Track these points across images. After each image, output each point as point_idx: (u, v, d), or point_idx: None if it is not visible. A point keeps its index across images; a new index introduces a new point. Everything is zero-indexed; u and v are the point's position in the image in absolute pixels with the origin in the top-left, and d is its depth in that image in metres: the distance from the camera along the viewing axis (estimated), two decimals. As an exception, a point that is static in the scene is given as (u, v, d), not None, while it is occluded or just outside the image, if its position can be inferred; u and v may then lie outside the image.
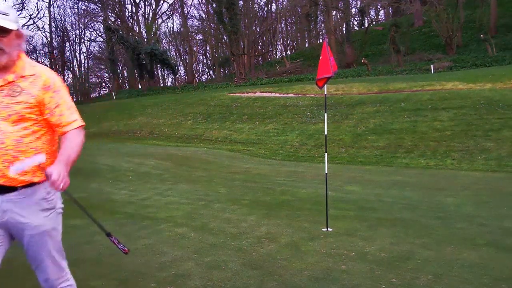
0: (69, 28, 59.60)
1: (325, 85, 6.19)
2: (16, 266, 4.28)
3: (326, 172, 6.50)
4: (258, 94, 29.99)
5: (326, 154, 6.43)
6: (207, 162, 14.44)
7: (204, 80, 63.10)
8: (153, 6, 56.92)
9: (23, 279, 4.29)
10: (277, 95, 28.70)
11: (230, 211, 7.42)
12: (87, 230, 6.20)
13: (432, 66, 33.93)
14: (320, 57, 5.94)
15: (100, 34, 58.11)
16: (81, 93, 60.73)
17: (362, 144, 16.03)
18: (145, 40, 51.41)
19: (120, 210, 7.62)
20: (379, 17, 66.84)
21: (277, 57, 62.79)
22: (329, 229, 6.08)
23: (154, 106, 31.20)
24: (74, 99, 60.33)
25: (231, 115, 24.70)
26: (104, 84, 67.54)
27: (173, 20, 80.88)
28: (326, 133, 6.43)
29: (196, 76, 65.24)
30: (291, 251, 5.19)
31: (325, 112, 6.38)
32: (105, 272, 4.52)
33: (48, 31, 59.43)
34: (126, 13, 58.30)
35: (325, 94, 6.31)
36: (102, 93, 61.67)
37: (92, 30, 64.76)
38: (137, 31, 55.06)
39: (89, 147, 19.64)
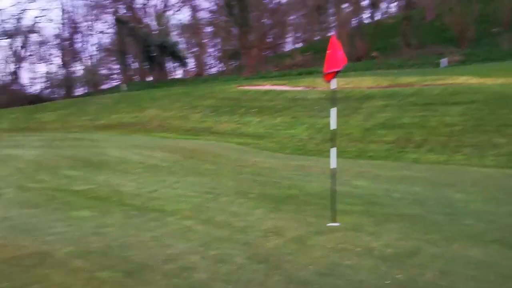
0: (79, 20, 59.87)
1: (335, 79, 6.13)
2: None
3: (332, 167, 6.46)
4: (267, 87, 29.94)
5: (333, 148, 6.38)
6: (216, 155, 14.46)
7: (215, 71, 63.13)
8: (164, -2, 56.86)
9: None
10: (287, 88, 28.63)
11: (237, 204, 7.44)
12: (95, 222, 6.27)
13: (442, 60, 33.60)
14: (328, 51, 5.90)
15: (110, 26, 58.17)
16: (91, 85, 61.03)
17: (371, 138, 15.95)
18: (155, 32, 51.45)
19: (128, 202, 7.67)
20: (391, 10, 66.07)
21: (286, 50, 62.49)
22: (335, 224, 6.07)
23: (163, 98, 31.28)
24: (85, 91, 60.78)
25: (239, 108, 24.70)
26: (115, 75, 67.78)
27: (183, 12, 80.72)
28: (334, 127, 6.38)
29: (206, 68, 65.30)
30: (297, 245, 5.20)
31: (335, 107, 6.31)
32: (112, 264, 4.55)
33: (59, 23, 59.74)
34: (137, 5, 58.34)
35: (335, 88, 6.24)
36: (113, 85, 61.89)
37: (102, 22, 64.96)
38: (148, 23, 55.12)
39: (99, 139, 19.83)
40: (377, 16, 56.50)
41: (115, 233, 5.71)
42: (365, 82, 26.20)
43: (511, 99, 15.89)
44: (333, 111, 6.30)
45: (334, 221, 6.11)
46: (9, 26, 53.46)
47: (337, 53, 5.74)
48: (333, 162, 6.36)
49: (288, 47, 67.03)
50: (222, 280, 4.14)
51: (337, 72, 5.90)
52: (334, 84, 6.18)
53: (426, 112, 16.83)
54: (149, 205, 7.44)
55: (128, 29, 43.30)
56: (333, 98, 6.38)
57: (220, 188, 9.00)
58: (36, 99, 49.65)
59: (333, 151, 6.35)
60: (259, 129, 20.52)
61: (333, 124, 6.35)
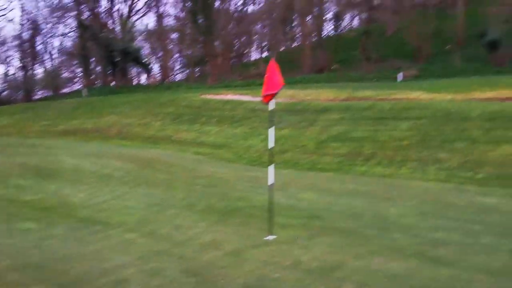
0: (41, 21, 58.52)
1: (273, 100, 6.47)
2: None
3: (270, 183, 6.77)
4: (229, 96, 30.26)
5: (271, 165, 6.70)
6: (171, 165, 14.61)
7: (180, 79, 62.92)
8: (129, 3, 56.49)
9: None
10: (249, 98, 29.01)
11: (182, 217, 7.67)
12: (38, 234, 6.35)
13: (398, 75, 34.87)
14: (266, 74, 6.25)
15: (73, 29, 57.20)
16: (52, 88, 59.64)
17: (324, 151, 16.50)
18: (120, 37, 50.99)
19: (74, 214, 7.77)
20: (355, 23, 67.87)
21: (252, 59, 63.10)
22: (272, 237, 6.39)
23: (124, 104, 31.09)
24: (45, 94, 59.35)
25: (201, 117, 24.90)
26: (76, 79, 66.50)
27: (148, 17, 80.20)
28: (272, 145, 6.70)
29: (172, 74, 65.05)
30: (232, 258, 5.47)
31: (273, 126, 6.63)
32: (48, 277, 4.70)
33: (19, 23, 58.25)
34: (101, 9, 57.62)
35: (273, 109, 6.58)
36: (74, 89, 60.69)
37: (65, 24, 63.81)
38: (112, 27, 54.53)
39: (55, 146, 19.56)
40: (340, 29, 57.96)
41: (56, 246, 5.84)
42: (324, 94, 26.91)
43: (455, 116, 16.79)
44: (271, 131, 6.61)
45: (271, 234, 6.43)
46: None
47: (274, 77, 6.09)
48: (270, 179, 6.68)
49: (254, 56, 67.73)
50: (152, 292, 4.37)
51: (274, 94, 6.23)
52: (272, 105, 6.52)
53: (378, 126, 17.56)
54: (95, 216, 7.56)
55: (91, 33, 42.74)
56: (270, 119, 6.68)
57: (169, 200, 9.20)
58: (-8, 102, 48.19)
59: (271, 168, 6.66)
60: (218, 139, 20.78)
61: (271, 143, 6.66)
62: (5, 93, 58.24)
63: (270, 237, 6.38)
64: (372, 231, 6.93)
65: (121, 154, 16.52)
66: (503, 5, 37.78)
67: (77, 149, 17.98)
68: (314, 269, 5.12)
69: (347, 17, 61.93)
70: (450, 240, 6.51)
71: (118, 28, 54.61)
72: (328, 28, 62.73)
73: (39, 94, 59.52)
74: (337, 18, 57.50)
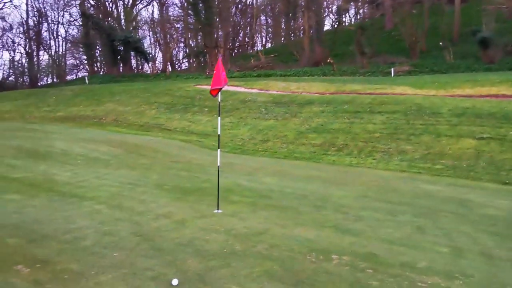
0: (46, 8, 59.60)
1: (219, 94, 7.54)
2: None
3: (218, 164, 7.87)
4: (223, 87, 31.21)
5: (219, 150, 7.80)
6: (156, 151, 15.74)
7: (183, 68, 63.90)
8: (133, -8, 57.32)
9: None
10: (242, 89, 29.99)
11: (149, 194, 8.80)
12: (20, 203, 7.49)
13: (392, 69, 35.68)
14: (214, 72, 7.32)
15: (76, 18, 58.25)
16: (56, 75, 60.87)
17: (302, 141, 17.55)
18: (123, 26, 52.00)
19: (56, 189, 8.91)
20: (356, 17, 68.40)
21: (251, 51, 63.87)
22: (219, 211, 7.50)
23: (123, 93, 32.15)
24: (49, 81, 60.62)
25: (193, 107, 25.97)
26: (80, 67, 67.66)
27: (153, 6, 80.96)
28: (219, 133, 7.79)
29: (176, 64, 66.05)
30: (176, 225, 6.60)
31: (219, 116, 7.72)
32: (21, 234, 5.84)
33: (25, 10, 59.39)
34: (105, -2, 58.56)
35: (219, 102, 7.66)
36: (79, 76, 61.86)
37: (70, 13, 64.94)
38: (115, 16, 55.52)
39: (53, 131, 20.77)
40: (338, 24, 58.56)
41: (33, 213, 6.99)
42: (315, 88, 27.81)
43: (426, 111, 17.77)
44: (219, 119, 7.70)
45: (218, 209, 7.56)
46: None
47: (220, 74, 7.16)
48: (218, 161, 7.77)
49: (256, 48, 68.50)
50: (101, 246, 5.51)
51: (220, 88, 7.30)
52: (219, 97, 7.59)
53: (354, 119, 18.56)
54: (74, 192, 8.70)
55: (94, 22, 43.79)
56: (219, 109, 7.76)
57: (142, 180, 10.32)
58: (-2, 87, 49.46)
59: (219, 152, 7.76)
60: (207, 128, 21.86)
61: (219, 130, 7.75)
62: (10, 79, 59.60)
63: (216, 211, 7.50)
64: (308, 209, 8.04)
65: (112, 140, 17.67)
66: (498, 4, 38.42)
67: (71, 135, 19.16)
68: (241, 234, 6.25)
69: (346, 12, 62.51)
70: (370, 217, 7.61)
71: (121, 17, 55.70)
72: (327, 23, 63.59)
73: (43, 81, 60.89)
74: (337, 12, 58.14)
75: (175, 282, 4.45)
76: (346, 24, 65.79)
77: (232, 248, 5.64)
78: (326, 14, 60.66)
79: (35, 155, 13.21)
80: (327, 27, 62.79)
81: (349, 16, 69.23)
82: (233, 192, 9.24)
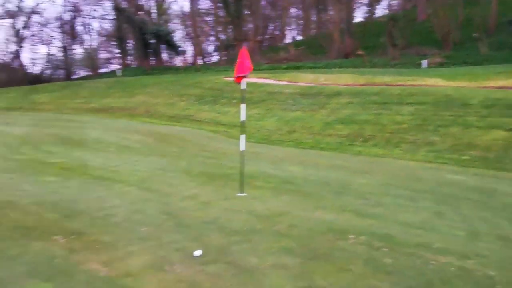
0: (81, 3, 61.24)
1: (244, 81, 7.78)
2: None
3: (242, 149, 8.14)
4: (252, 80, 31.52)
5: (243, 135, 8.07)
6: (185, 140, 16.18)
7: (213, 61, 64.58)
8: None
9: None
10: (270, 81, 30.23)
11: (177, 179, 9.18)
12: (57, 184, 7.99)
13: (423, 61, 35.14)
14: (238, 59, 7.57)
15: (108, 12, 59.64)
16: (90, 68, 62.60)
17: (328, 132, 17.66)
18: (154, 20, 52.93)
19: (90, 172, 9.41)
20: (388, 8, 67.32)
21: (281, 44, 63.82)
22: (243, 194, 7.80)
23: (154, 85, 32.91)
24: (83, 74, 62.40)
25: (222, 98, 26.38)
26: (113, 60, 69.29)
27: (183, 0, 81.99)
28: (243, 119, 8.05)
29: (206, 57, 66.83)
30: (201, 206, 6.93)
31: (244, 103, 7.99)
32: (57, 210, 6.28)
33: (61, 5, 61.27)
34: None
35: (244, 88, 7.90)
36: (112, 69, 63.41)
37: (103, 7, 66.36)
38: (147, 10, 56.56)
39: (86, 121, 21.57)
40: (372, 15, 57.89)
41: (69, 193, 7.45)
42: (343, 79, 27.76)
43: (456, 102, 17.55)
44: (243, 106, 7.96)
45: (242, 192, 7.85)
46: (11, 6, 55.04)
47: (244, 62, 7.41)
48: (242, 146, 8.05)
49: (285, 40, 68.41)
50: (130, 222, 5.88)
51: (244, 76, 7.55)
52: (243, 85, 7.84)
53: (382, 111, 18.51)
54: (106, 175, 9.17)
55: (126, 16, 44.78)
56: (243, 97, 8.02)
57: (171, 166, 10.74)
58: (35, 80, 51.30)
59: (242, 137, 8.03)
60: (234, 119, 22.18)
61: (242, 117, 8.01)
62: (47, 72, 61.62)
63: (240, 194, 7.79)
64: (329, 194, 8.23)
65: (143, 130, 18.25)
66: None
67: (104, 125, 19.86)
68: (262, 215, 6.52)
69: (378, 3, 61.57)
70: (390, 203, 7.75)
71: (153, 11, 56.68)
72: (358, 15, 62.89)
73: (78, 74, 62.70)
74: (369, 4, 57.43)
75: (198, 253, 4.76)
76: (378, 16, 64.87)
77: (253, 227, 5.91)
78: (357, 5, 60.01)
79: (70, 142, 13.84)
80: (358, 19, 62.19)
81: (381, 8, 68.17)
82: (257, 178, 9.52)
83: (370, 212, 7.05)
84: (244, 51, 7.53)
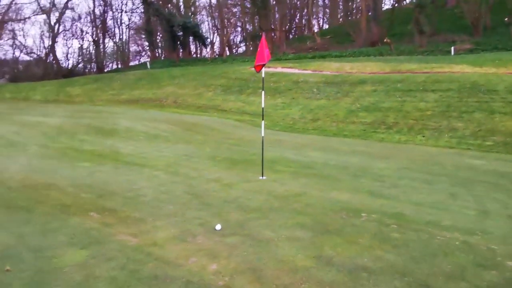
0: (111, -3, 62.65)
1: (263, 69, 8.15)
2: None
3: (262, 135, 8.55)
4: (278, 69, 31.78)
5: (262, 121, 8.46)
6: (211, 129, 16.69)
7: (240, 52, 65.13)
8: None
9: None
10: (296, 71, 30.40)
11: (202, 163, 9.67)
12: (91, 169, 8.60)
13: (452, 48, 34.54)
14: (258, 49, 7.94)
15: (138, 6, 60.81)
16: (121, 61, 64.17)
17: (352, 119, 17.84)
18: (182, 12, 53.68)
19: (120, 159, 10.01)
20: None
21: (307, 33, 63.58)
22: (263, 177, 8.22)
23: (181, 77, 33.58)
24: (114, 67, 63.99)
25: (247, 88, 26.77)
26: (143, 53, 70.69)
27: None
28: (263, 106, 8.44)
29: (234, 48, 67.40)
30: (224, 187, 7.39)
31: (263, 90, 8.37)
32: (92, 191, 6.85)
33: (92, 0, 62.84)
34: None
35: (263, 77, 8.27)
36: (141, 61, 64.76)
37: (132, 1, 67.67)
38: (175, 2, 57.41)
39: (118, 112, 22.35)
40: (399, 2, 56.99)
41: (102, 176, 8.04)
42: (369, 68, 27.69)
43: (481, 88, 17.41)
44: (263, 93, 8.35)
45: (262, 176, 8.27)
46: (45, 2, 56.90)
47: (264, 51, 7.78)
48: (262, 131, 8.45)
49: (312, 30, 68.10)
50: (158, 201, 6.39)
51: (263, 64, 7.92)
52: (262, 73, 8.21)
53: (406, 98, 18.54)
54: (136, 161, 9.75)
55: (154, 9, 45.61)
56: (262, 84, 8.41)
57: (197, 152, 11.24)
58: (69, 73, 53.01)
59: (262, 123, 8.43)
60: (260, 108, 22.49)
61: (262, 103, 8.40)
62: (80, 65, 63.49)
63: (261, 178, 8.22)
64: (347, 177, 8.56)
65: (171, 119, 18.87)
66: None
67: (134, 115, 20.58)
68: (280, 195, 6.92)
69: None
70: (406, 185, 8.01)
71: (181, 3, 57.44)
72: (387, 2, 61.94)
73: (109, 67, 64.38)
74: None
75: (218, 227, 5.22)
76: (407, 2, 63.74)
77: (271, 205, 6.33)
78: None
79: (102, 132, 14.55)
80: (386, 6, 61.36)
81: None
82: (278, 163, 9.92)
83: (385, 193, 7.35)
84: (263, 40, 7.89)
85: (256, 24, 56.62)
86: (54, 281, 3.77)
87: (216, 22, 64.88)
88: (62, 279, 3.81)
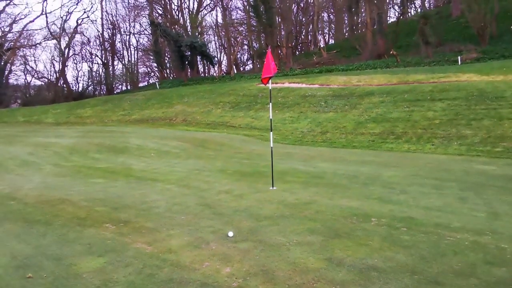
0: (119, 21, 63.97)
1: (269, 82, 8.34)
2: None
3: (271, 146, 8.69)
4: (285, 85, 32.05)
5: (271, 132, 8.62)
6: (221, 144, 16.88)
7: (247, 70, 65.77)
8: (197, -1, 59.97)
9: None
10: (303, 85, 30.64)
11: (213, 176, 9.82)
12: (105, 185, 8.79)
13: (459, 58, 34.60)
14: (265, 62, 8.14)
15: (145, 28, 61.96)
16: (130, 83, 65.08)
17: (361, 131, 17.93)
18: (189, 32, 54.51)
19: (133, 174, 10.20)
20: (422, 7, 66.41)
21: (313, 48, 64.11)
22: (273, 188, 8.33)
23: (190, 95, 33.98)
24: (123, 88, 64.89)
25: (255, 104, 27.01)
26: (152, 73, 71.67)
27: (217, 11, 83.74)
28: (271, 117, 8.60)
29: (241, 66, 68.11)
30: (235, 198, 7.51)
31: (270, 102, 8.55)
32: (106, 204, 7.02)
33: (100, 24, 64.11)
34: (172, 6, 61.91)
35: (270, 89, 8.46)
36: (150, 82, 65.64)
37: (140, 23, 68.82)
38: (181, 23, 58.37)
39: (128, 131, 22.67)
40: (404, 14, 57.33)
41: (115, 191, 8.22)
42: (376, 80, 27.85)
43: (489, 96, 17.44)
44: (270, 105, 8.52)
45: (273, 186, 8.39)
46: (55, 27, 58.16)
47: (270, 64, 7.98)
48: (271, 142, 8.60)
49: (318, 45, 68.65)
50: (171, 212, 6.53)
51: (270, 77, 8.11)
52: (269, 85, 8.40)
53: (414, 107, 18.61)
54: (148, 176, 9.93)
55: (162, 30, 46.40)
56: (270, 96, 8.59)
57: (208, 167, 11.40)
58: (79, 96, 53.89)
59: (271, 134, 8.58)
60: (268, 123, 22.73)
61: (270, 114, 8.56)
62: (89, 88, 64.53)
63: (271, 188, 8.33)
64: (356, 185, 8.64)
65: (181, 137, 19.11)
66: None
67: (145, 134, 20.87)
68: (290, 204, 7.03)
69: (412, 3, 60.89)
70: (415, 191, 8.07)
71: (187, 23, 58.39)
72: (391, 15, 62.45)
73: (119, 88, 65.32)
74: (402, 3, 56.89)
75: (231, 234, 5.33)
76: (412, 15, 64.14)
77: (282, 213, 6.44)
78: (390, 6, 59.74)
79: (114, 150, 14.80)
80: (391, 19, 61.79)
81: (415, 7, 67.41)
82: (288, 174, 10.04)
83: (394, 199, 7.42)
84: (269, 54, 8.10)
85: (262, 42, 57.28)
86: (74, 286, 3.91)
87: (223, 41, 65.74)
88: (81, 284, 3.95)
